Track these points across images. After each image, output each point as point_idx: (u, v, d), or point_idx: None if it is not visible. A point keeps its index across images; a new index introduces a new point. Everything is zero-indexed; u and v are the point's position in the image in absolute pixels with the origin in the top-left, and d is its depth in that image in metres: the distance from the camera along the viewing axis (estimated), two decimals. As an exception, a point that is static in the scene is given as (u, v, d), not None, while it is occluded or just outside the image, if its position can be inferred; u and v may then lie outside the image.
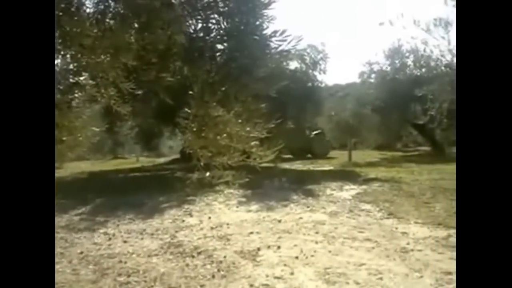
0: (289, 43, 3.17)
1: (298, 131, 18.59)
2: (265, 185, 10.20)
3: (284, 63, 14.57)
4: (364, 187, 9.89)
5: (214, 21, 2.95)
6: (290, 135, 20.11)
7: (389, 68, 21.04)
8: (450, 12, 8.74)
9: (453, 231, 5.66)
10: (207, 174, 3.15)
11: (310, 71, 16.09)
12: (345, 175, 12.19)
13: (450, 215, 6.69)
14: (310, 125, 17.96)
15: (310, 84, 15.95)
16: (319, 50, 16.01)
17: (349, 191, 9.37)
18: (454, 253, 4.68)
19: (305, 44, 16.30)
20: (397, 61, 20.58)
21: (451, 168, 14.63)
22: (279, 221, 6.56)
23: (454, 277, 3.94)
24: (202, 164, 3.15)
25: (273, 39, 3.11)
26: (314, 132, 19.86)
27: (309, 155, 20.71)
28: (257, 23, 3.10)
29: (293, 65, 16.11)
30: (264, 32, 3.12)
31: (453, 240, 5.27)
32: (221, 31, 2.96)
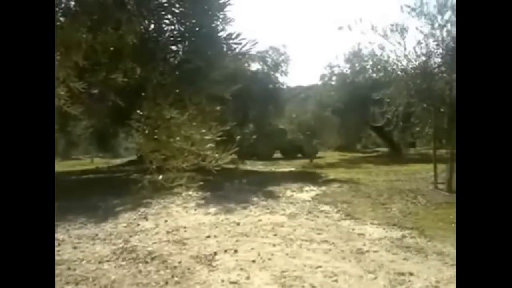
0: (244, 46, 3.19)
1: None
2: (225, 187, 10.19)
3: (246, 64, 14.63)
4: (323, 188, 10.12)
5: (167, 21, 2.90)
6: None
7: (349, 71, 21.71)
8: (405, 19, 9.14)
9: (407, 232, 5.92)
10: (160, 177, 3.10)
11: (272, 72, 16.25)
12: (305, 176, 12.41)
13: (405, 216, 7.00)
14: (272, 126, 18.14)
15: (271, 85, 16.10)
16: (280, 52, 16.22)
17: (309, 192, 9.55)
18: (408, 254, 4.90)
19: (267, 46, 16.50)
20: (357, 65, 21.27)
21: (407, 169, 15.30)
22: (238, 224, 6.57)
23: (406, 277, 4.11)
24: (154, 167, 3.09)
25: (228, 41, 3.12)
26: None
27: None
28: (213, 25, 3.08)
29: (255, 66, 16.24)
30: (220, 34, 3.11)
31: (407, 240, 5.50)
32: (175, 32, 2.92)
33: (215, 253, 4.98)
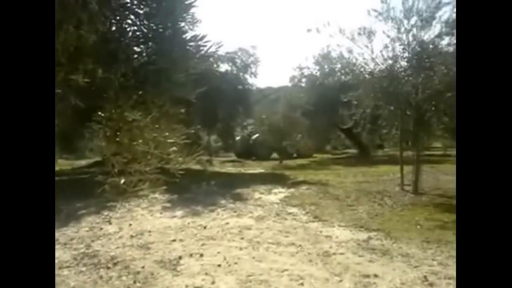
0: (209, 47, 3.18)
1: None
2: (193, 189, 10.11)
3: (215, 65, 14.61)
4: (292, 190, 10.23)
5: (130, 22, 2.85)
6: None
7: (318, 73, 22.06)
8: (373, 23, 9.37)
9: (373, 234, 6.07)
10: (122, 181, 3.04)
11: (241, 74, 16.31)
12: (275, 178, 12.51)
13: (371, 218, 7.17)
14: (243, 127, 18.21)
15: (240, 86, 16.16)
16: (250, 54, 16.33)
17: (278, 194, 9.63)
18: (374, 256, 5.02)
19: (236, 47, 16.55)
20: (326, 67, 21.64)
21: (375, 170, 15.71)
22: (205, 227, 6.53)
23: (371, 280, 4.22)
24: (116, 170, 3.03)
25: (193, 43, 3.10)
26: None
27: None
28: (177, 26, 3.05)
29: (224, 67, 16.26)
30: (184, 35, 3.09)
31: (373, 242, 5.64)
32: (138, 33, 2.87)
33: (180, 258, 4.93)
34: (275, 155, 22.74)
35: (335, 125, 23.34)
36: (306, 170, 16.30)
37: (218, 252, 5.14)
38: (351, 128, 19.73)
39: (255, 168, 17.78)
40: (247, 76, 16.45)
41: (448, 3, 8.87)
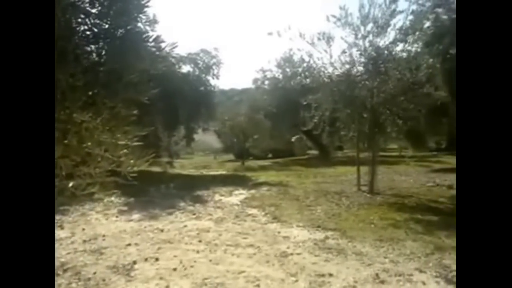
0: (163, 48, 3.14)
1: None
2: (151, 192, 9.93)
3: (176, 66, 14.44)
4: (253, 191, 10.28)
5: (80, 21, 2.76)
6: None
7: (281, 76, 22.35)
8: (332, 28, 9.62)
9: (330, 233, 6.21)
10: (70, 184, 2.94)
11: (203, 75, 16.22)
12: (236, 180, 12.52)
13: (329, 218, 7.33)
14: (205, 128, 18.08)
15: (202, 88, 16.07)
16: (212, 55, 16.27)
17: (238, 196, 9.65)
18: (329, 255, 5.14)
19: (198, 48, 16.43)
20: (288, 70, 21.96)
21: (334, 171, 16.10)
22: (162, 230, 6.42)
23: (326, 279, 4.31)
24: (64, 173, 2.93)
25: (146, 44, 3.05)
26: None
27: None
28: (130, 26, 3.00)
29: (186, 68, 16.09)
30: (138, 36, 3.03)
31: (330, 241, 5.77)
32: (88, 33, 2.79)
33: (135, 262, 4.82)
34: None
35: (296, 127, 23.70)
36: (267, 171, 16.43)
37: (175, 256, 5.07)
38: (311, 130, 20.15)
39: (217, 169, 17.72)
40: (209, 77, 16.39)
41: (401, 11, 9.25)
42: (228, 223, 6.96)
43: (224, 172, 15.90)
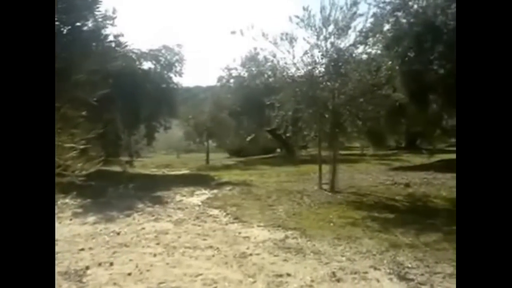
0: (114, 47, 3.02)
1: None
2: (109, 192, 9.61)
3: (137, 63, 14.07)
4: (215, 191, 10.19)
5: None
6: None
7: (246, 75, 22.31)
8: (294, 29, 9.67)
9: (290, 233, 6.23)
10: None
11: (165, 72, 15.89)
12: (199, 180, 12.38)
13: (289, 217, 7.38)
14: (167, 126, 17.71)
15: (164, 85, 15.74)
16: (175, 52, 15.96)
17: (200, 196, 9.53)
18: (288, 255, 5.15)
19: (160, 44, 16.08)
20: (253, 69, 21.94)
21: (298, 170, 16.25)
22: (118, 233, 6.23)
23: (284, 279, 4.31)
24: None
25: (95, 42, 2.93)
26: (288, 135, 22.36)
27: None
28: (77, 24, 2.87)
29: (147, 65, 15.71)
30: (87, 34, 2.91)
31: (289, 241, 5.79)
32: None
33: (87, 268, 4.62)
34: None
35: (261, 126, 23.79)
36: (232, 171, 16.38)
37: (130, 260, 4.92)
38: (276, 129, 20.30)
39: (180, 169, 17.46)
40: (171, 74, 16.07)
41: (361, 15, 9.45)
42: (188, 224, 6.85)
43: (187, 172, 15.69)
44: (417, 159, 18.87)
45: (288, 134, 11.67)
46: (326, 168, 10.69)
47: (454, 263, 4.57)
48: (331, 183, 10.19)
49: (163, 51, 15.68)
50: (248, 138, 22.35)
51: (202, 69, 57.45)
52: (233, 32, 9.79)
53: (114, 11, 12.09)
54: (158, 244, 5.63)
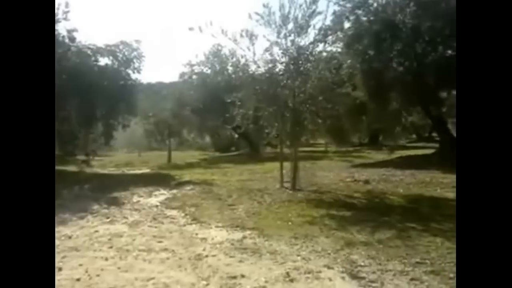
0: (71, 41, 2.92)
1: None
2: (63, 194, 9.30)
3: (93, 59, 13.63)
4: (174, 191, 10.09)
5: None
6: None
7: (209, 71, 22.17)
8: (254, 26, 9.70)
9: (248, 233, 6.27)
10: None
11: (123, 68, 15.50)
12: (159, 179, 12.20)
13: (249, 216, 7.42)
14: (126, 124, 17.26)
15: (122, 82, 15.35)
16: (133, 48, 15.57)
17: (158, 196, 9.41)
18: (244, 255, 5.19)
19: (117, 40, 15.65)
20: (217, 65, 21.84)
21: (261, 167, 16.36)
22: (70, 237, 6.06)
23: (238, 280, 4.34)
24: None
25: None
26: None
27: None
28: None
29: (104, 61, 15.24)
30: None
31: (247, 241, 5.83)
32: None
33: (32, 276, 4.48)
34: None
35: (226, 123, 23.75)
36: (194, 169, 16.27)
37: (80, 265, 4.79)
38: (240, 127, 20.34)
39: (141, 168, 17.16)
40: (129, 71, 15.68)
41: (320, 12, 9.60)
42: (144, 226, 6.75)
43: (147, 171, 15.44)
44: (379, 156, 19.46)
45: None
46: (289, 166, 10.81)
47: (405, 260, 4.79)
48: (292, 181, 10.33)
49: (120, 46, 15.27)
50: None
51: (164, 65, 56.53)
52: (191, 29, 9.69)
53: (67, 5, 11.68)
54: (111, 247, 5.52)
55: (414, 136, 31.06)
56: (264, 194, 9.57)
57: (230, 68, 10.33)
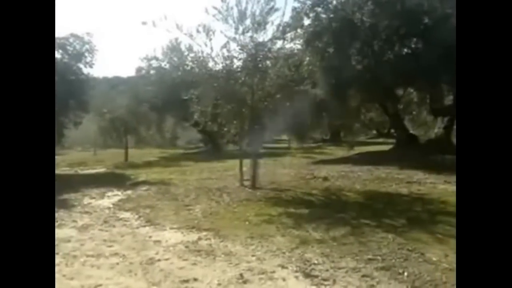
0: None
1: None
2: (7, 197, 8.88)
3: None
4: (129, 192, 9.87)
5: None
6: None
7: (168, 66, 21.77)
8: (211, 21, 9.62)
9: (204, 234, 6.22)
10: None
11: (74, 62, 14.93)
12: (113, 179, 11.91)
13: (205, 217, 7.37)
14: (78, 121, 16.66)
15: (73, 77, 14.80)
16: (84, 41, 15.03)
17: (112, 198, 9.18)
18: (198, 258, 5.15)
19: (67, 33, 15.05)
20: (176, 59, 21.47)
21: (223, 165, 16.34)
22: (11, 244, 5.78)
23: (190, 284, 4.31)
24: None
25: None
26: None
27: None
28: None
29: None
30: None
31: (202, 243, 5.79)
32: None
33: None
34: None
35: (186, 120, 23.47)
36: (152, 168, 15.99)
37: (21, 274, 4.59)
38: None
39: (95, 167, 16.64)
40: (81, 65, 15.14)
41: (278, 9, 9.66)
42: (94, 230, 6.56)
43: (102, 170, 15.01)
44: (340, 152, 19.95)
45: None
46: (250, 163, 10.82)
47: (358, 257, 4.93)
48: (252, 180, 10.38)
49: (71, 39, 14.70)
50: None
51: (122, 59, 55.07)
52: (144, 23, 9.49)
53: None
54: (57, 253, 5.31)
55: (374, 132, 32.06)
56: (223, 193, 9.55)
57: (189, 64, 10.12)
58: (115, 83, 33.97)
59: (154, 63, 22.18)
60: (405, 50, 14.12)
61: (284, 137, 25.05)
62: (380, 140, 25.90)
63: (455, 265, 4.49)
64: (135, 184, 11.12)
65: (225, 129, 10.74)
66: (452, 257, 4.72)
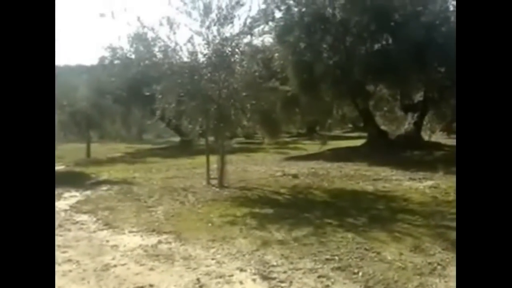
0: None
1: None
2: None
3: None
4: (88, 192, 9.80)
5: None
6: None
7: (133, 56, 21.35)
8: (175, 14, 9.62)
9: (164, 237, 6.28)
10: None
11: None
12: (72, 178, 11.75)
13: (167, 219, 7.41)
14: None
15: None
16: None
17: (69, 199, 9.09)
18: (156, 263, 5.22)
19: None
20: (142, 48, 21.05)
21: (191, 162, 16.37)
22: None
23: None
24: None
25: None
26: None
27: None
28: None
29: None
30: None
31: (162, 247, 5.85)
32: None
33: None
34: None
35: (153, 114, 23.21)
36: (115, 165, 15.84)
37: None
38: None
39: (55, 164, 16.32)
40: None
41: (243, 4, 9.73)
42: (49, 234, 6.52)
43: (61, 167, 14.72)
44: (314, 146, 20.26)
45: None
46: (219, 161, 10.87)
47: (316, 258, 5.14)
48: (219, 178, 10.47)
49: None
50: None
51: (86, 46, 53.77)
52: (102, 15, 9.43)
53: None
54: (6, 261, 5.30)
55: (350, 125, 32.67)
56: (189, 193, 9.61)
57: (157, 54, 10.04)
58: (78, 71, 33.18)
59: (119, 52, 21.73)
60: (376, 46, 14.50)
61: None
62: (355, 134, 26.47)
63: (408, 264, 4.79)
64: (96, 184, 11.03)
65: (190, 126, 10.77)
66: (406, 255, 5.02)
